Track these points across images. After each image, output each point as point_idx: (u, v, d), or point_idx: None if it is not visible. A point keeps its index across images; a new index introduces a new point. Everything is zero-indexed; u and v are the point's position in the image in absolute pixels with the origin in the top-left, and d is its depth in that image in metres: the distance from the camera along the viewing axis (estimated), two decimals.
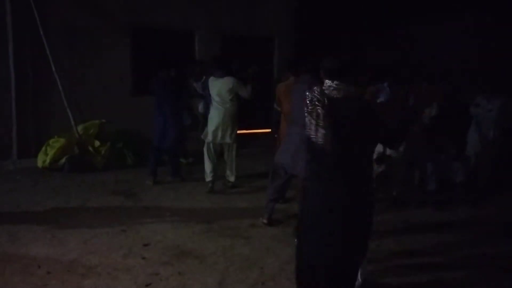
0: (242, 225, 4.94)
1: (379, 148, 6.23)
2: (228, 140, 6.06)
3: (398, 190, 5.97)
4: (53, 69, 7.30)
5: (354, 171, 2.71)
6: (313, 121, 2.63)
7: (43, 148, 7.03)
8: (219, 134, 6.02)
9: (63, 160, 6.89)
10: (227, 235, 4.64)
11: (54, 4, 7.40)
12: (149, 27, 8.26)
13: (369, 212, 2.80)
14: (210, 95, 6.06)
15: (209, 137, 6.07)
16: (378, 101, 7.04)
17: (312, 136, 2.66)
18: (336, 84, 2.71)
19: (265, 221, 4.93)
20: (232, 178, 6.31)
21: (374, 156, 6.23)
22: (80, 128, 7.31)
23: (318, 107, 2.61)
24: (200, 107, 7.29)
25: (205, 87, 6.69)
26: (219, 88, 5.92)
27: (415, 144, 6.21)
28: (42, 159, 6.93)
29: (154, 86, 6.37)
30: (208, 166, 6.14)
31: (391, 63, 10.17)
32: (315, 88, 2.71)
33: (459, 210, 5.75)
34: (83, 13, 7.64)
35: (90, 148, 7.18)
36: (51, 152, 6.91)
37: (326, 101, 2.61)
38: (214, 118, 6.02)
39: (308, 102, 2.67)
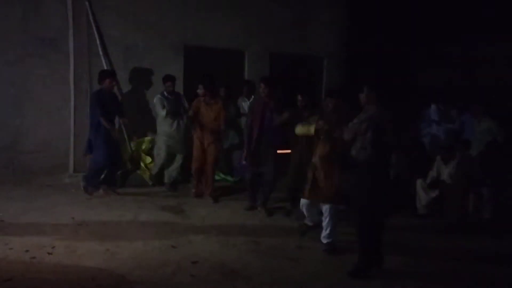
0: (289, 245, 4.91)
1: (432, 173, 6.07)
2: None
3: (452, 216, 5.76)
4: None
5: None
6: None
7: None
8: None
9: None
10: (274, 255, 4.63)
11: (111, 25, 7.71)
12: (200, 45, 8.45)
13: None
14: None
15: None
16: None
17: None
18: None
19: None
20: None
21: (428, 180, 6.08)
22: (132, 144, 7.54)
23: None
24: None
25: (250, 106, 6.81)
26: None
27: (471, 169, 5.99)
28: None
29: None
30: None
31: (442, 84, 9.91)
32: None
33: None
34: (139, 33, 7.92)
35: (142, 164, 7.38)
36: None
37: None
38: None
39: None
